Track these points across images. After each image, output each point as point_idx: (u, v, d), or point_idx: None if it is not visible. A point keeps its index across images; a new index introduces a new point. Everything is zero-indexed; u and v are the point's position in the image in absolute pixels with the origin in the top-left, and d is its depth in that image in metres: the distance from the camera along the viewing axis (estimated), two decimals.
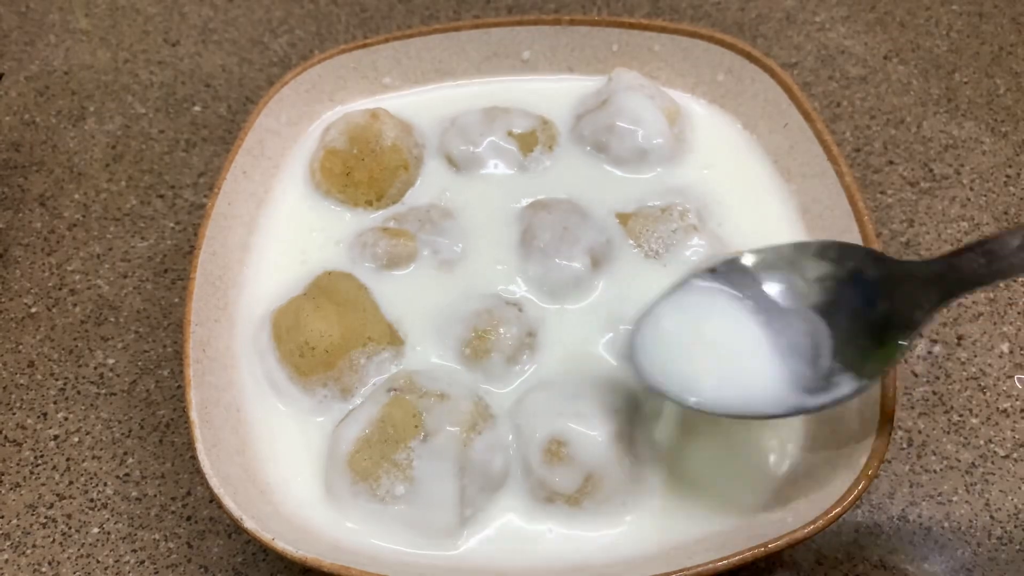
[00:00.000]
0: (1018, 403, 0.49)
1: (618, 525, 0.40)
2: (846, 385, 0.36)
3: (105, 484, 0.48)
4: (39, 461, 0.49)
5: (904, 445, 0.47)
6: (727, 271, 0.39)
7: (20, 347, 0.54)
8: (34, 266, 0.57)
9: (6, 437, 0.50)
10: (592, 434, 0.39)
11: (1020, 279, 0.54)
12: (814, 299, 0.38)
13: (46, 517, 0.47)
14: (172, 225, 0.59)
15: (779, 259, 0.39)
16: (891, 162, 0.60)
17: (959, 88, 0.65)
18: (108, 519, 0.47)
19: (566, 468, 0.39)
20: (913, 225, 0.57)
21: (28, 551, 0.46)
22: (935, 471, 0.47)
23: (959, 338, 0.51)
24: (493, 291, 0.47)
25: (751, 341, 0.38)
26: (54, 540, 0.46)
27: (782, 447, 0.42)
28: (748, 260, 0.40)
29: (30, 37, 0.72)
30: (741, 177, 0.52)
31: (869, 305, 0.37)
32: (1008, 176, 0.59)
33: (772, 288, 0.39)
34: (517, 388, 0.44)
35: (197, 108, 0.66)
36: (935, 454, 0.47)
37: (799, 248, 0.39)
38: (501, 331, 0.44)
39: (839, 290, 0.38)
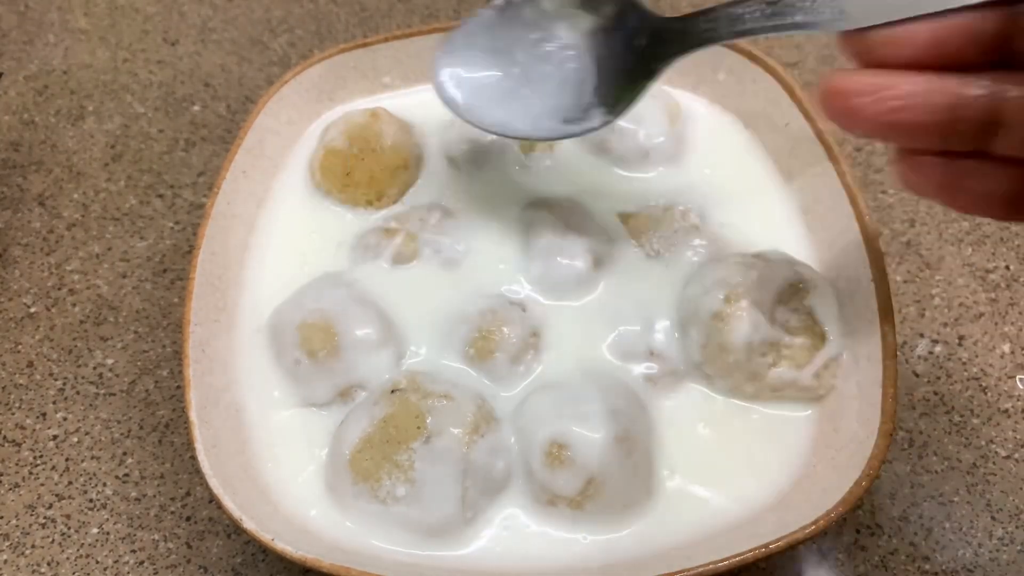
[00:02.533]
0: (1019, 403, 0.49)
1: (619, 527, 0.40)
2: (596, 119, 0.41)
3: (104, 484, 0.48)
4: (38, 461, 0.49)
5: (905, 446, 0.47)
6: (512, 4, 0.43)
7: (19, 347, 0.53)
8: (33, 266, 0.57)
9: (5, 437, 0.50)
10: (593, 436, 0.39)
11: (1016, 275, 0.54)
12: (582, 38, 0.42)
13: (45, 517, 0.47)
14: (171, 225, 0.59)
15: None
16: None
17: None
18: (107, 519, 0.47)
19: (567, 471, 0.39)
20: (914, 225, 0.57)
21: (27, 551, 0.46)
22: (936, 472, 0.47)
23: (960, 338, 0.51)
24: (496, 291, 0.47)
25: (528, 70, 0.43)
26: (53, 540, 0.46)
27: (783, 448, 0.42)
28: None
29: (29, 36, 0.72)
30: (742, 177, 0.52)
31: (625, 49, 0.40)
32: None
33: (549, 24, 0.43)
34: (522, 389, 0.43)
35: (196, 107, 0.66)
36: (936, 455, 0.47)
37: None
38: (505, 331, 0.44)
39: (603, 32, 0.41)
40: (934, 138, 0.27)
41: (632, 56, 0.40)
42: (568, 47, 0.42)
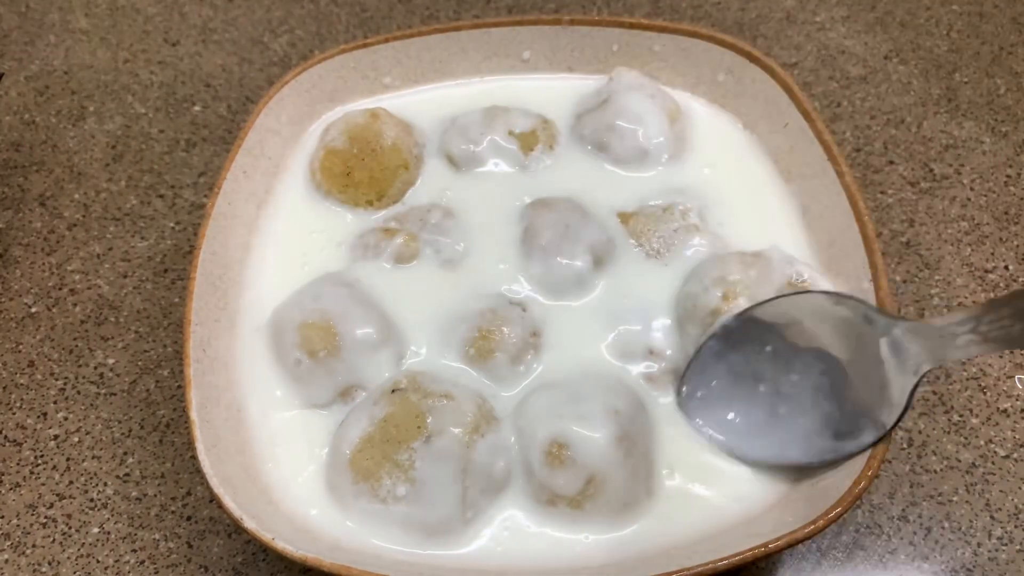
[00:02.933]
0: (1018, 403, 0.49)
1: (620, 526, 0.40)
2: (868, 432, 0.38)
3: (105, 484, 0.48)
4: (39, 461, 0.49)
5: (904, 445, 0.47)
6: (743, 326, 0.42)
7: (20, 347, 0.54)
8: (34, 266, 0.57)
9: (6, 437, 0.50)
10: (594, 436, 0.39)
11: (1015, 275, 0.54)
12: (827, 345, 0.40)
13: (46, 517, 0.47)
14: (172, 225, 0.59)
15: (784, 310, 0.41)
16: (891, 162, 0.60)
17: (959, 88, 0.65)
18: (108, 519, 0.47)
19: (567, 470, 0.39)
20: (913, 225, 0.57)
21: (28, 551, 0.46)
22: (935, 471, 0.47)
23: None
24: (496, 291, 0.47)
25: (779, 385, 0.41)
26: (54, 540, 0.46)
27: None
28: (759, 313, 0.42)
29: (30, 37, 0.72)
30: (741, 177, 0.52)
31: (880, 352, 0.38)
32: (1008, 176, 0.60)
33: (790, 335, 0.41)
34: (522, 389, 0.43)
35: (197, 108, 0.66)
36: (935, 454, 0.47)
37: (796, 300, 0.41)
38: (505, 331, 0.44)
39: (846, 339, 0.39)
40: None
41: (890, 360, 0.38)
42: (817, 358, 0.40)
